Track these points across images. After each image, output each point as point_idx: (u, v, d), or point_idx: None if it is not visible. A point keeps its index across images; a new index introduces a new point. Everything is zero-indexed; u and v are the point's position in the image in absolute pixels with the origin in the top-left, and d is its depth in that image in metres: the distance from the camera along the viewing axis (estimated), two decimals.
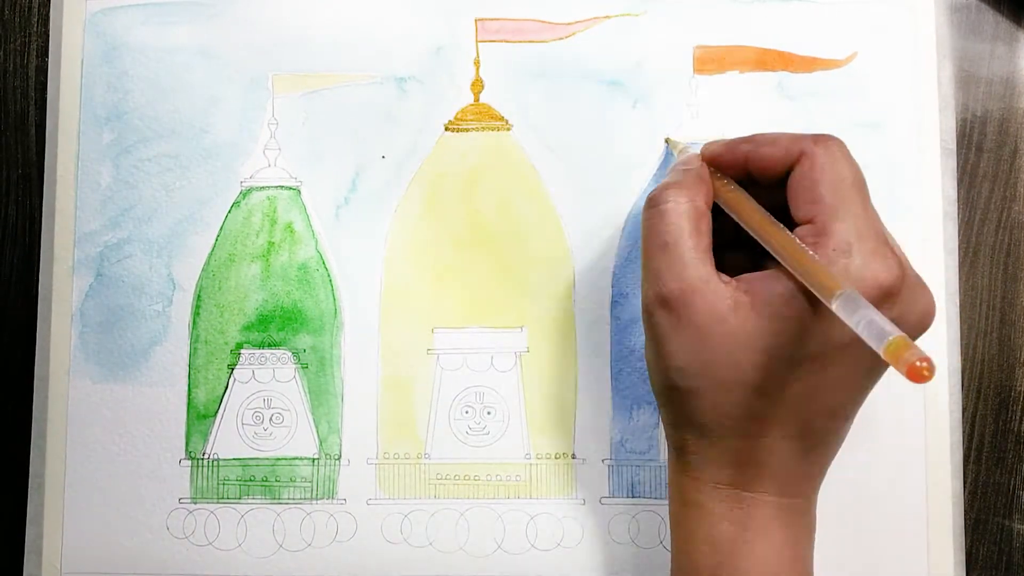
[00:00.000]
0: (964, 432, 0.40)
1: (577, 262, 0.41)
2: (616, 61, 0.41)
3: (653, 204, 0.33)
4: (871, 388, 0.32)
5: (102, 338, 0.41)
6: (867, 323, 0.26)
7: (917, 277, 0.31)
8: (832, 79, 0.41)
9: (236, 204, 0.42)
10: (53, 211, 0.42)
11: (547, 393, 0.40)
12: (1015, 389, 0.40)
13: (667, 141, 0.41)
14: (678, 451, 0.33)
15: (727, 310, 0.31)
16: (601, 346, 0.41)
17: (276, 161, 0.42)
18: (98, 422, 0.41)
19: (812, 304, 0.30)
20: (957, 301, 0.40)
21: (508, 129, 0.42)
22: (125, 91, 0.42)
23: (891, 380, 0.39)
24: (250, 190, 0.42)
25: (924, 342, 0.39)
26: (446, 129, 0.42)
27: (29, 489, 0.41)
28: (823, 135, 0.33)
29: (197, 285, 0.41)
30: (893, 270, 0.30)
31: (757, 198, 0.33)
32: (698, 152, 0.36)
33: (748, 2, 0.41)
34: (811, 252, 0.30)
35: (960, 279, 0.40)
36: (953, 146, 0.41)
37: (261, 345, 0.41)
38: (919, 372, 0.24)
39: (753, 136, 0.34)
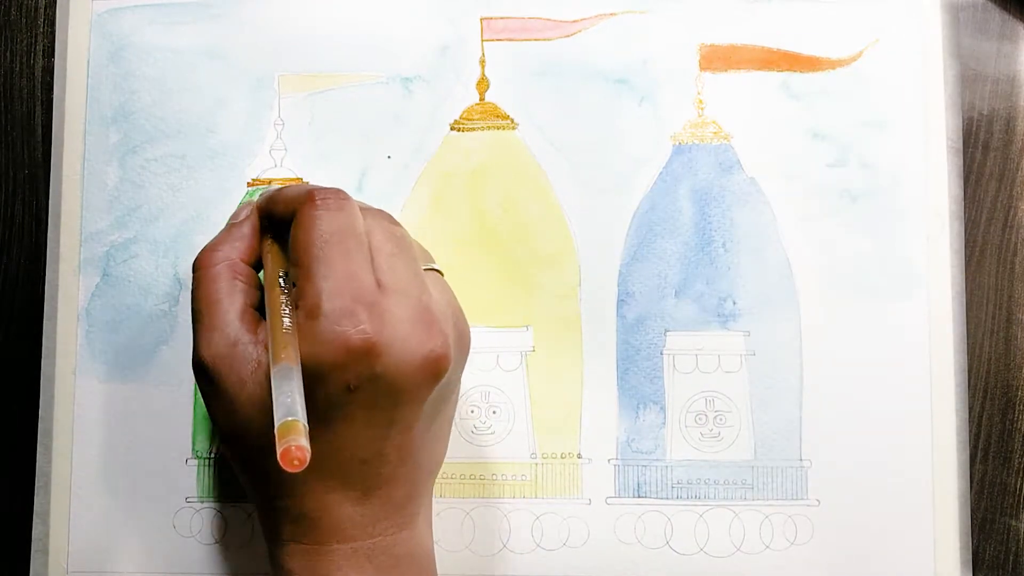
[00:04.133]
0: (970, 431, 0.40)
1: (583, 261, 0.41)
2: (622, 59, 0.41)
3: (194, 269, 0.33)
4: (407, 431, 0.32)
5: (109, 337, 0.41)
6: (281, 400, 0.27)
7: (415, 322, 0.31)
8: (837, 78, 0.41)
9: (242, 204, 0.42)
10: (59, 211, 0.42)
11: (553, 392, 0.40)
12: (1022, 388, 0.40)
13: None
14: (259, 514, 0.34)
15: (248, 375, 0.31)
16: (607, 345, 0.41)
17: (282, 161, 0.42)
18: (104, 421, 0.41)
19: None
20: (964, 300, 0.40)
21: (514, 128, 0.42)
22: (131, 91, 0.42)
23: (896, 379, 0.40)
24: (256, 190, 0.42)
25: (930, 342, 0.39)
26: (452, 128, 0.42)
27: (36, 488, 0.41)
28: (320, 190, 0.32)
29: None
30: (363, 329, 0.29)
31: None
32: (252, 201, 0.36)
33: (753, 0, 0.41)
34: (285, 317, 0.30)
35: (967, 278, 0.40)
36: (959, 145, 0.41)
37: None
38: (289, 457, 0.25)
39: (275, 192, 0.34)
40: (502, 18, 0.42)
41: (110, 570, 0.40)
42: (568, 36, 0.42)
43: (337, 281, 0.30)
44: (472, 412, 0.41)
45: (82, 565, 0.41)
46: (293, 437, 0.26)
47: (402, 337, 0.30)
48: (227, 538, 0.40)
